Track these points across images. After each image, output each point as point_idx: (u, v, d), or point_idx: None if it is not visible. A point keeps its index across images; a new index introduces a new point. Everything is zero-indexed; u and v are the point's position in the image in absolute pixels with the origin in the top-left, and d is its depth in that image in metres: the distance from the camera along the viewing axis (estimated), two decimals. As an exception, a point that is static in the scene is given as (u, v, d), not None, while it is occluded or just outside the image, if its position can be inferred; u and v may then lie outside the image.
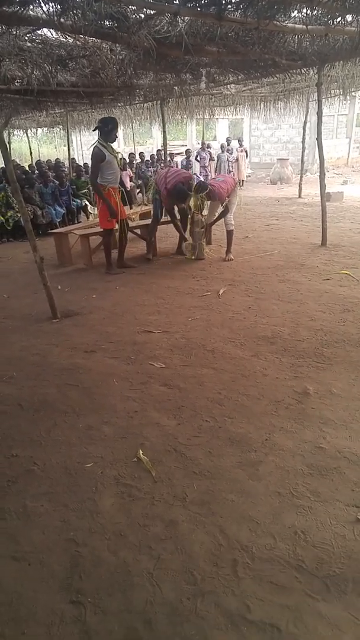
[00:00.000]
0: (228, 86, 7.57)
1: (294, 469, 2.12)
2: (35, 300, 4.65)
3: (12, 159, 8.93)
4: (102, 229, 5.51)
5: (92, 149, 5.13)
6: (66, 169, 10.07)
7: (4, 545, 1.81)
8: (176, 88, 7.19)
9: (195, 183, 5.65)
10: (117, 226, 5.38)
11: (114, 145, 5.32)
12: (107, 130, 5.02)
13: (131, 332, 3.76)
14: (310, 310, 4.00)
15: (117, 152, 5.30)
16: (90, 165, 5.51)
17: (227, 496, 1.98)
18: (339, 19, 3.64)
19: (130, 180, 10.87)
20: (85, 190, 9.35)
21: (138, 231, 6.49)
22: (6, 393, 2.93)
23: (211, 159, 12.98)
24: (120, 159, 5.56)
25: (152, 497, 2.01)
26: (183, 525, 1.85)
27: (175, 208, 5.94)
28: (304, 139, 10.49)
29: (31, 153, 14.62)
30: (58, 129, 13.68)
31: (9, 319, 4.26)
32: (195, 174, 12.15)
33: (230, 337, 3.56)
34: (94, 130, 5.29)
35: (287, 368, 3.06)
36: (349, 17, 3.66)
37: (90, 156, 5.26)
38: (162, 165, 10.58)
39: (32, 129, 13.95)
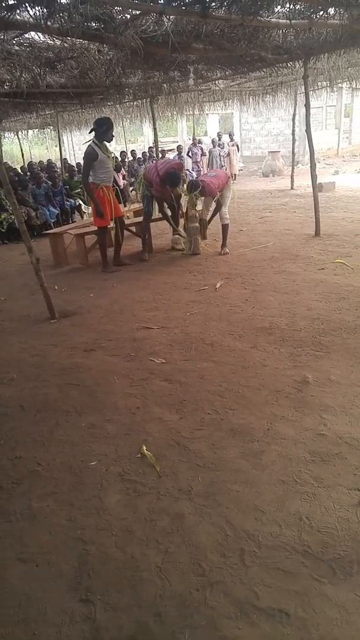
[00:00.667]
0: (216, 82, 7.58)
1: (296, 457, 2.13)
2: (32, 301, 4.65)
3: (4, 161, 8.90)
4: (96, 228, 5.51)
5: (85, 148, 5.14)
6: (58, 170, 10.05)
7: (10, 548, 1.82)
8: (165, 85, 7.20)
9: (187, 181, 5.70)
10: (111, 224, 5.39)
11: (111, 145, 5.36)
12: (102, 130, 5.05)
13: (130, 329, 3.76)
14: (307, 300, 4.01)
15: (111, 152, 5.30)
16: (82, 164, 5.52)
17: (232, 487, 2.00)
18: (321, 12, 3.67)
19: (123, 179, 10.85)
20: (79, 190, 9.33)
21: (133, 228, 6.49)
22: (7, 395, 2.94)
23: (203, 154, 12.98)
24: (113, 157, 5.56)
25: (158, 492, 2.02)
26: (189, 518, 1.86)
27: (166, 205, 5.93)
28: (293, 131, 10.49)
29: (23, 155, 14.57)
30: (49, 130, 13.64)
31: (7, 320, 4.26)
32: (187, 169, 12.14)
33: (229, 330, 3.56)
34: (90, 133, 5.32)
35: (285, 358, 3.07)
36: (331, 11, 3.69)
37: (82, 155, 5.28)
38: (153, 162, 10.55)
39: (23, 131, 13.91)
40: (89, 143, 5.11)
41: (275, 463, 2.11)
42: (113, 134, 5.27)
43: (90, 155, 5.04)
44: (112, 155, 5.37)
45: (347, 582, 1.52)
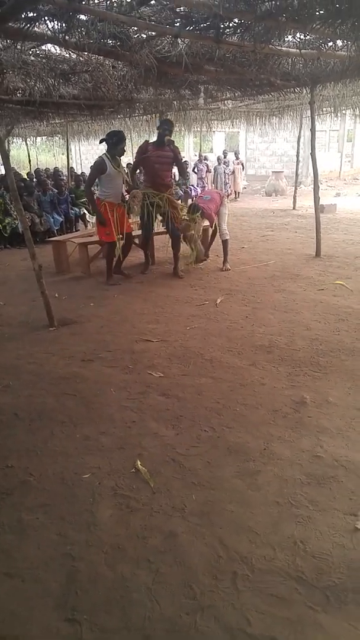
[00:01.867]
0: (225, 102, 7.72)
1: (292, 478, 2.11)
2: (32, 308, 4.63)
3: (12, 167, 8.98)
4: (102, 239, 5.43)
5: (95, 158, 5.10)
6: (65, 178, 10.13)
7: (-2, 561, 1.78)
8: (175, 102, 7.35)
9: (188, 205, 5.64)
10: (117, 240, 5.17)
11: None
12: (112, 142, 4.95)
13: (129, 340, 3.75)
14: (306, 320, 4.01)
15: (122, 167, 5.16)
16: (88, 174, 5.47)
17: (226, 506, 1.97)
18: (330, 43, 3.78)
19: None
20: (84, 199, 9.41)
21: (137, 240, 6.51)
22: (2, 402, 2.90)
23: (208, 170, 13.12)
24: (124, 172, 5.37)
25: (151, 508, 1.98)
26: (182, 537, 1.83)
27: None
28: (298, 152, 10.66)
29: (30, 161, 14.71)
30: (57, 138, 13.78)
31: (5, 326, 4.24)
32: (192, 185, 12.28)
33: (228, 346, 3.56)
34: (100, 143, 5.23)
35: (284, 377, 3.06)
36: (339, 42, 3.80)
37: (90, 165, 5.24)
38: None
39: (32, 138, 14.06)
40: (100, 155, 5.02)
41: (270, 484, 2.09)
42: (125, 147, 5.12)
43: (99, 167, 4.93)
44: (124, 170, 5.22)
45: (342, 611, 1.48)
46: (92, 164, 5.24)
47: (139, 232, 5.98)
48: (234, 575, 1.64)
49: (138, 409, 2.76)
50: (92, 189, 5.69)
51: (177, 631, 1.48)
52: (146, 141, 5.49)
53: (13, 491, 2.13)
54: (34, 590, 1.65)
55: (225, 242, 5.79)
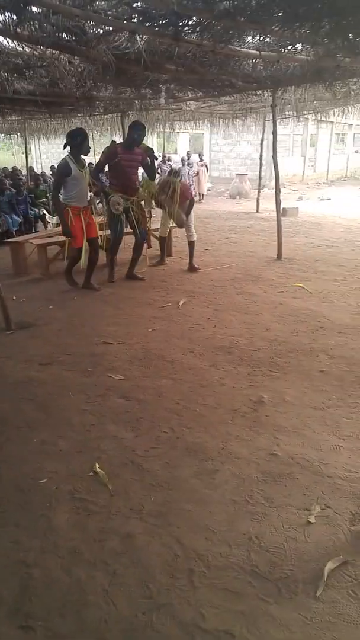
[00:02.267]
0: (188, 102, 7.77)
1: (249, 477, 2.16)
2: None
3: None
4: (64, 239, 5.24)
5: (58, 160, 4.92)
6: (24, 177, 9.91)
7: None
8: (136, 102, 7.30)
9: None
10: (83, 247, 4.88)
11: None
12: (77, 143, 4.67)
13: (89, 343, 3.71)
14: (266, 321, 4.11)
15: (86, 168, 4.90)
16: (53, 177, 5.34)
17: (184, 506, 1.99)
18: (289, 47, 3.85)
19: (90, 191, 10.80)
20: (44, 199, 9.23)
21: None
22: None
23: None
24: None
25: (109, 511, 1.98)
26: (139, 538, 1.84)
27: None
28: (261, 155, 10.87)
29: (-13, 160, 14.29)
30: (16, 136, 13.45)
31: None
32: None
33: (190, 348, 3.59)
34: (64, 148, 4.89)
35: (243, 377, 3.12)
36: (298, 46, 3.88)
37: (51, 166, 5.10)
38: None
39: (-12, 135, 13.67)
40: (63, 158, 4.75)
41: (228, 482, 2.13)
42: (89, 146, 4.88)
43: (63, 170, 4.67)
44: (88, 171, 4.97)
45: (292, 601, 1.54)
46: (52, 163, 5.11)
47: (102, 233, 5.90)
48: (190, 573, 1.67)
49: (97, 412, 2.74)
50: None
51: (133, 630, 1.48)
52: (115, 142, 5.39)
53: (-34, 499, 2.07)
54: (-13, 599, 1.61)
55: (191, 244, 5.84)
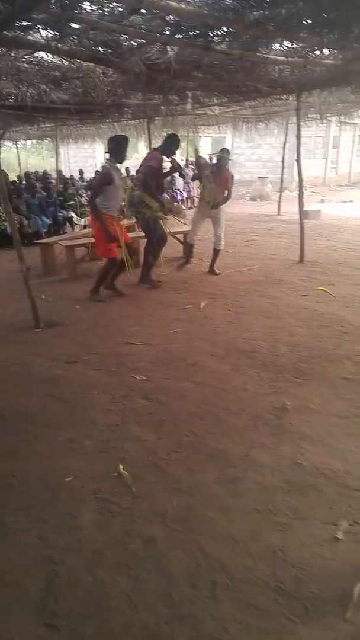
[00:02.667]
0: (212, 107, 7.79)
1: (272, 486, 2.13)
2: (17, 309, 4.57)
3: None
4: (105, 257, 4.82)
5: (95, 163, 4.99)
6: (53, 181, 10.08)
7: (-23, 564, 1.75)
8: (163, 107, 7.41)
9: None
10: (120, 254, 4.70)
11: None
12: (120, 149, 4.50)
13: (114, 343, 3.73)
14: (289, 326, 4.06)
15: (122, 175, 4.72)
16: (93, 183, 5.23)
17: (207, 513, 1.98)
18: (317, 52, 3.84)
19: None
20: (72, 202, 9.37)
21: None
22: (-17, 403, 2.86)
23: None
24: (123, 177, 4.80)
25: (132, 514, 1.98)
26: (162, 543, 1.83)
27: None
28: (283, 158, 10.78)
29: (19, 164, 14.59)
30: (47, 141, 13.69)
31: (-11, 326, 4.17)
32: (178, 189, 12.30)
33: (211, 351, 3.57)
34: (106, 153, 4.72)
35: (266, 383, 3.09)
36: (326, 51, 3.87)
37: (90, 172, 5.10)
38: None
39: (22, 141, 13.93)
40: (104, 164, 4.62)
41: (251, 491, 2.11)
42: (127, 150, 4.68)
43: (106, 177, 4.46)
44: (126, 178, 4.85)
45: (319, 622, 1.51)
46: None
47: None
48: (213, 585, 1.65)
49: (121, 412, 2.75)
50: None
51: (156, 639, 1.48)
52: (156, 150, 5.22)
53: (-6, 494, 2.10)
54: (14, 594, 1.63)
55: (216, 252, 5.72)
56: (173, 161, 5.27)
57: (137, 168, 5.58)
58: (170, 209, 5.77)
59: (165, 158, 5.16)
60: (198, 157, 5.69)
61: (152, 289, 5.24)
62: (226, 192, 5.47)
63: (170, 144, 5.16)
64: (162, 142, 5.26)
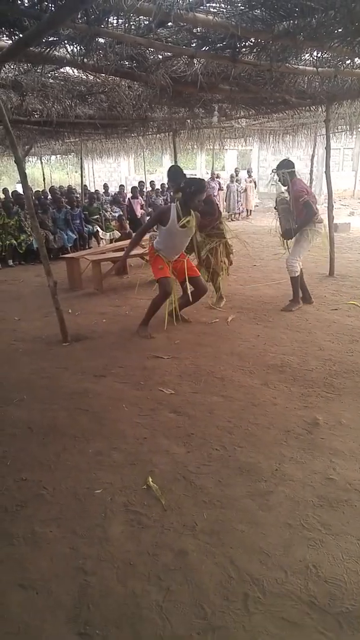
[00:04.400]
0: (239, 120, 7.86)
1: (304, 500, 2.10)
2: (45, 323, 4.71)
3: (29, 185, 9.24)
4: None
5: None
6: (78, 194, 10.35)
7: (12, 572, 1.80)
8: (189, 121, 7.49)
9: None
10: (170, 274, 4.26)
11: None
12: (189, 192, 3.92)
13: (141, 357, 3.79)
14: (319, 340, 4.02)
15: (192, 223, 3.98)
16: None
17: (237, 526, 1.97)
18: (348, 61, 3.81)
19: (141, 208, 11.12)
20: (97, 216, 9.58)
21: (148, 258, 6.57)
22: (16, 416, 2.95)
23: (220, 188, 13.28)
24: (190, 226, 4.01)
25: (162, 526, 1.99)
26: (193, 556, 1.83)
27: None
28: (311, 171, 10.76)
29: (44, 179, 15.07)
30: (71, 156, 14.13)
31: (20, 341, 4.31)
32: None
33: (240, 365, 3.57)
34: (178, 193, 4.25)
35: (296, 397, 3.06)
36: (357, 60, 3.84)
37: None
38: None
39: (47, 156, 14.43)
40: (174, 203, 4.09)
41: (282, 505, 2.08)
42: (199, 200, 3.96)
43: (160, 216, 4.05)
44: (192, 224, 3.99)
45: (354, 638, 1.47)
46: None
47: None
48: (245, 597, 1.64)
49: (149, 425, 2.78)
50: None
51: (187, 651, 1.48)
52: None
53: (27, 503, 2.16)
54: (47, 603, 1.66)
55: (291, 280, 4.96)
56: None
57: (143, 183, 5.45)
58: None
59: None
60: (278, 197, 4.89)
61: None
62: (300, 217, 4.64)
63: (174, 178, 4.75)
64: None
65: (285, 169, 4.62)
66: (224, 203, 12.99)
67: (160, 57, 3.75)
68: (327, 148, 6.14)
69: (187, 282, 4.40)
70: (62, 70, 4.49)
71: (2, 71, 4.12)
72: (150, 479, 2.27)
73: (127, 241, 8.16)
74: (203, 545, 1.88)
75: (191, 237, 4.28)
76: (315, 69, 3.83)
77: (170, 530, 1.97)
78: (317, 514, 2.01)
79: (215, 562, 1.80)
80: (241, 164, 19.62)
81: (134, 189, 11.32)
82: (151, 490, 2.21)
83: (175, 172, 4.84)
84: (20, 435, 2.73)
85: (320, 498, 2.11)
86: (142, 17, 2.77)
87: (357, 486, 2.18)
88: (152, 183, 12.68)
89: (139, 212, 10.92)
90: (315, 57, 3.76)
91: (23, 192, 4.85)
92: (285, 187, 4.72)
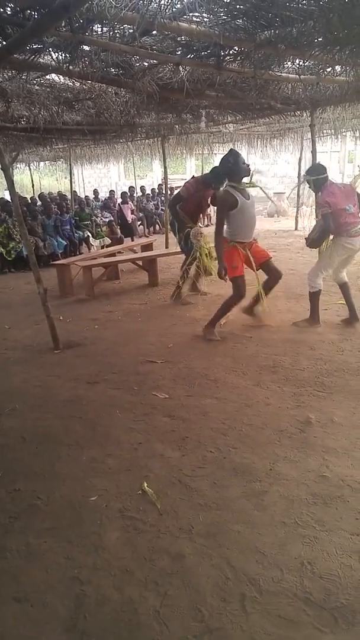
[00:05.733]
0: (226, 125, 7.93)
1: (298, 499, 2.11)
2: (37, 331, 4.70)
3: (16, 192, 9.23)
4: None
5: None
6: (68, 200, 10.36)
7: (5, 586, 1.77)
8: (177, 126, 7.54)
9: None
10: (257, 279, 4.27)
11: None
12: (230, 167, 3.96)
13: (134, 362, 3.79)
14: (310, 340, 4.04)
15: (252, 187, 4.10)
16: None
17: (233, 527, 1.97)
18: (329, 69, 3.89)
19: (132, 213, 11.16)
20: (88, 222, 9.58)
21: (140, 262, 6.61)
22: (9, 425, 2.93)
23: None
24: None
25: (158, 530, 1.99)
26: (189, 559, 1.83)
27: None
28: (299, 174, 10.87)
29: (33, 185, 15.05)
30: (60, 162, 14.11)
31: (11, 350, 4.30)
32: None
33: (233, 367, 3.59)
34: (214, 184, 4.51)
35: (289, 397, 3.08)
36: (338, 68, 3.92)
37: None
38: (163, 199, 10.86)
39: (35, 163, 14.39)
40: (224, 188, 4.11)
41: (277, 504, 2.09)
42: (246, 165, 4.03)
43: (225, 203, 3.93)
44: (254, 192, 4.05)
45: (350, 632, 1.48)
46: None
47: (142, 254, 6.02)
48: (242, 597, 1.64)
49: (144, 430, 2.78)
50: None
51: (185, 655, 1.47)
52: (195, 178, 5.40)
53: (21, 515, 2.15)
54: (43, 615, 1.65)
55: (310, 295, 4.49)
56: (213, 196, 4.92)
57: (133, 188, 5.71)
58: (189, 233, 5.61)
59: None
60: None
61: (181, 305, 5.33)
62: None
63: (216, 180, 4.88)
64: (211, 174, 5.05)
65: (310, 175, 4.23)
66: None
67: (146, 64, 3.78)
68: (314, 152, 6.22)
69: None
70: (47, 77, 4.50)
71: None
72: (146, 484, 2.27)
73: (119, 246, 8.23)
74: (199, 547, 1.88)
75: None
76: (298, 76, 3.90)
77: (166, 535, 1.97)
78: (311, 512, 2.02)
79: (212, 564, 1.80)
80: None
81: (124, 194, 11.36)
82: (147, 495, 2.21)
83: (218, 175, 4.78)
84: (13, 445, 2.72)
85: (314, 496, 2.12)
86: (126, 25, 2.79)
87: (349, 482, 2.19)
88: (142, 188, 12.73)
89: (129, 217, 10.95)
90: (297, 65, 3.83)
91: (11, 199, 4.84)
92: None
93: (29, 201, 10.41)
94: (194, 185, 5.25)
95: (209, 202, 5.39)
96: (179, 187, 6.30)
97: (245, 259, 4.15)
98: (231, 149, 4.31)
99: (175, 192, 5.34)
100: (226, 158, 4.06)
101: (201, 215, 5.57)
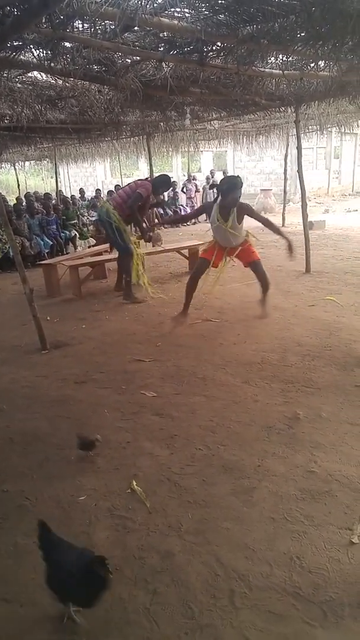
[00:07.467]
0: (212, 122, 7.93)
1: (287, 494, 2.13)
2: (23, 331, 4.65)
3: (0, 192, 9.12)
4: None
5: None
6: (54, 200, 10.27)
7: (-6, 587, 1.77)
8: (162, 124, 7.50)
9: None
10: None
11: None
12: (223, 190, 4.29)
13: (122, 361, 3.78)
14: (297, 336, 4.07)
15: (234, 223, 4.33)
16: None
17: (222, 524, 1.98)
18: (312, 64, 3.89)
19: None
20: (75, 221, 9.50)
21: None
22: (-4, 427, 2.91)
23: (197, 190, 13.36)
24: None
25: (147, 528, 1.99)
26: (179, 556, 1.83)
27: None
28: (285, 170, 10.91)
29: (18, 185, 14.89)
30: (46, 162, 13.99)
31: (-2, 351, 4.25)
32: (181, 205, 12.51)
33: (221, 364, 3.59)
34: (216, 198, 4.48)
35: (277, 393, 3.09)
36: (321, 63, 3.93)
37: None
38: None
39: (20, 162, 14.23)
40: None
41: (265, 500, 2.10)
42: (237, 198, 4.31)
43: (203, 209, 4.85)
44: (235, 224, 4.38)
45: (338, 625, 1.50)
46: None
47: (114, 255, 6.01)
48: (231, 593, 1.65)
49: (132, 429, 2.77)
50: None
51: (175, 652, 1.48)
52: (149, 182, 5.56)
53: (9, 516, 2.13)
54: (32, 615, 1.65)
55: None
56: (158, 198, 5.61)
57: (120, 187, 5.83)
58: (151, 236, 5.90)
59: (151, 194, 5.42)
60: None
61: (134, 303, 5.38)
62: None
63: (163, 186, 5.56)
64: (156, 180, 5.54)
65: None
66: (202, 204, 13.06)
67: (129, 61, 3.75)
68: (299, 148, 6.25)
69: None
70: (29, 74, 4.44)
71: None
72: (135, 483, 2.27)
73: (104, 245, 8.16)
74: (189, 545, 1.89)
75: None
76: (281, 72, 3.89)
77: (155, 533, 1.97)
78: (299, 507, 2.04)
79: (202, 561, 1.81)
80: (217, 165, 19.75)
81: (110, 193, 11.28)
82: (135, 493, 2.21)
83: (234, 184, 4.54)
84: (1, 446, 2.69)
85: (303, 491, 2.14)
86: (107, 21, 2.77)
87: (337, 477, 2.22)
88: (117, 187, 12.65)
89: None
90: (281, 61, 3.82)
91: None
92: None
93: (15, 201, 10.31)
94: (149, 188, 5.40)
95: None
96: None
97: (217, 255, 4.63)
98: (234, 176, 5.01)
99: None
100: (227, 181, 4.49)
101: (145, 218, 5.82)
